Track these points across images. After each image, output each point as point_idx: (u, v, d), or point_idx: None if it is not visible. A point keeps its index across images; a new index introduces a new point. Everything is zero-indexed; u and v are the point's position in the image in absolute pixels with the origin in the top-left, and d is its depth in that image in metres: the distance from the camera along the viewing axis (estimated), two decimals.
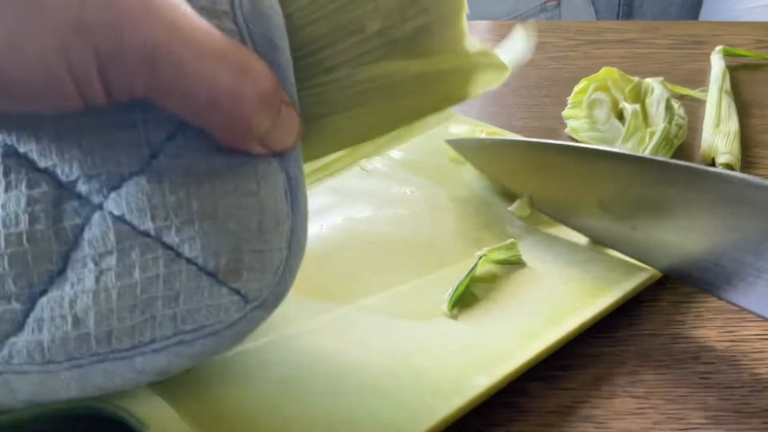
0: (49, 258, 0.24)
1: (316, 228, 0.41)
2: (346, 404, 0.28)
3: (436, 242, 0.40)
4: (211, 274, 0.25)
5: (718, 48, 0.70)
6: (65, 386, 0.24)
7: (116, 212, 0.25)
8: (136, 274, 0.24)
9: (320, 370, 0.30)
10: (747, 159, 0.52)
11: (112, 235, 0.24)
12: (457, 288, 0.35)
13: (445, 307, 0.35)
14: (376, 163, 0.48)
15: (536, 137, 0.50)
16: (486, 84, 0.32)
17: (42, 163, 0.25)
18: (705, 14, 1.04)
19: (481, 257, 0.37)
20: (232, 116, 0.24)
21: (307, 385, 0.29)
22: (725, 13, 0.99)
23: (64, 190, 0.25)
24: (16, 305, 0.24)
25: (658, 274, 0.37)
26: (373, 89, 0.29)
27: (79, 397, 0.25)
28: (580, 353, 0.33)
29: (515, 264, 0.38)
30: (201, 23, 0.23)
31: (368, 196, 0.44)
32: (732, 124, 0.54)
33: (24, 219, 0.24)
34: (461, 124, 0.51)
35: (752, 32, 0.80)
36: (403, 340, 0.32)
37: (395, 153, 0.49)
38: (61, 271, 0.25)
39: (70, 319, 0.24)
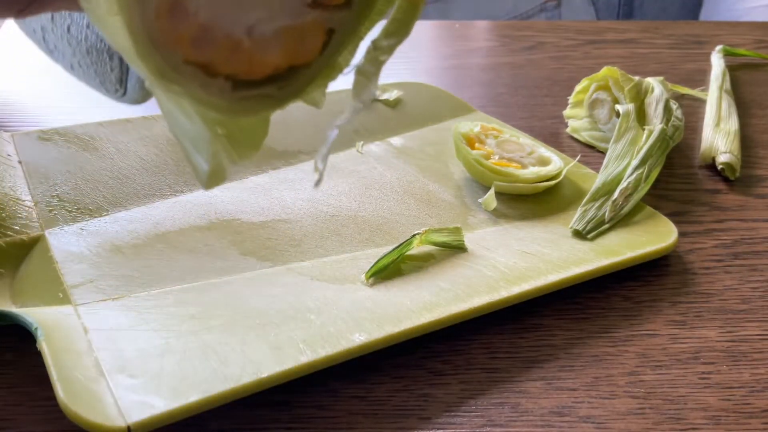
0: None
1: (290, 199, 0.43)
2: (226, 339, 0.31)
3: (393, 223, 0.41)
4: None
5: (718, 48, 0.70)
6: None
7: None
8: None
9: (218, 312, 0.33)
10: (747, 159, 0.52)
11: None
12: (380, 260, 0.36)
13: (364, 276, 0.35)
14: (371, 146, 0.49)
15: (537, 137, 0.51)
16: None
17: None
18: (705, 14, 1.04)
19: (415, 235, 0.37)
20: None
21: (199, 322, 0.32)
22: (725, 13, 0.99)
23: None
24: None
25: (590, 276, 0.37)
26: None
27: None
28: (580, 353, 0.33)
29: (456, 248, 0.38)
30: None
31: (349, 175, 0.45)
32: (732, 124, 0.54)
33: None
34: (471, 120, 0.52)
35: (752, 32, 0.80)
36: (308, 298, 0.34)
37: (395, 140, 0.50)
38: None
39: None
